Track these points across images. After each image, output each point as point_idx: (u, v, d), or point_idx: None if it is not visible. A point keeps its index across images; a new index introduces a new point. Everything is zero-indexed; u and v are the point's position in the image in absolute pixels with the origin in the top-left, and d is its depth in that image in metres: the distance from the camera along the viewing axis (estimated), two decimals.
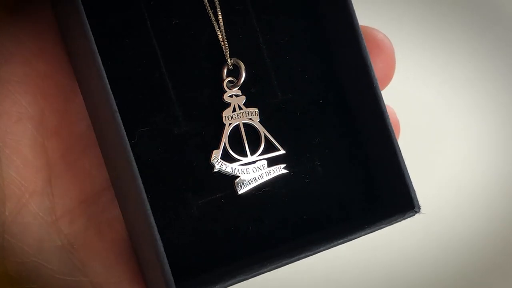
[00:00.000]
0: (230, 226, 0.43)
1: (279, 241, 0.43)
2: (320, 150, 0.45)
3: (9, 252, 0.41)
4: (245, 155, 0.44)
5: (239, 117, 0.44)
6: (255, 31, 0.45)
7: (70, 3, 0.38)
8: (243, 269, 0.39)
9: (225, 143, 0.43)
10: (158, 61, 0.43)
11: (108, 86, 0.38)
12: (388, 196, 0.44)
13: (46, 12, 0.43)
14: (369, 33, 0.46)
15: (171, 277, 0.37)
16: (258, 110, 0.44)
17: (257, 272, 0.39)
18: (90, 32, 0.38)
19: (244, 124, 0.44)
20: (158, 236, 0.37)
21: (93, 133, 0.43)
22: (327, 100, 0.45)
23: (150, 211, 0.37)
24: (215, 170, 0.43)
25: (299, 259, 0.40)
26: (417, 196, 0.42)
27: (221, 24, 0.44)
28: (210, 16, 0.44)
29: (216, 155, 0.43)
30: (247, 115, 0.44)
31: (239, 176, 0.43)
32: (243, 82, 0.44)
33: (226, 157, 0.43)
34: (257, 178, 0.43)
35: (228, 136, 0.43)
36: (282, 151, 0.44)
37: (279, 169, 0.44)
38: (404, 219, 0.42)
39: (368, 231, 0.41)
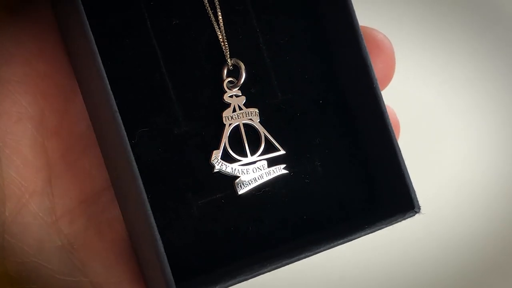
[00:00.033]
0: (230, 226, 0.43)
1: (279, 241, 0.43)
2: (320, 150, 0.45)
3: (9, 252, 0.41)
4: (245, 156, 0.44)
5: (239, 117, 0.44)
6: (255, 31, 0.45)
7: (70, 3, 0.38)
8: (243, 269, 0.39)
9: (225, 144, 0.43)
10: (158, 61, 0.43)
11: (108, 86, 0.38)
12: (388, 196, 0.44)
13: (46, 12, 0.43)
14: (369, 33, 0.46)
15: (171, 277, 0.37)
16: (258, 110, 0.44)
17: (257, 273, 0.39)
18: (90, 32, 0.38)
19: (244, 124, 0.44)
20: (158, 236, 0.37)
21: (93, 133, 0.43)
22: (327, 100, 0.45)
23: (150, 211, 0.37)
24: (215, 171, 0.43)
25: (299, 259, 0.40)
26: (417, 196, 0.42)
27: (221, 24, 0.44)
28: (210, 16, 0.44)
29: (216, 155, 0.43)
30: (247, 115, 0.44)
31: (239, 177, 0.43)
32: (243, 82, 0.44)
33: (226, 158, 0.43)
34: (257, 179, 0.43)
35: (228, 137, 0.43)
36: (282, 152, 0.44)
37: (279, 170, 0.44)
38: (404, 219, 0.42)
39: (368, 231, 0.41)
